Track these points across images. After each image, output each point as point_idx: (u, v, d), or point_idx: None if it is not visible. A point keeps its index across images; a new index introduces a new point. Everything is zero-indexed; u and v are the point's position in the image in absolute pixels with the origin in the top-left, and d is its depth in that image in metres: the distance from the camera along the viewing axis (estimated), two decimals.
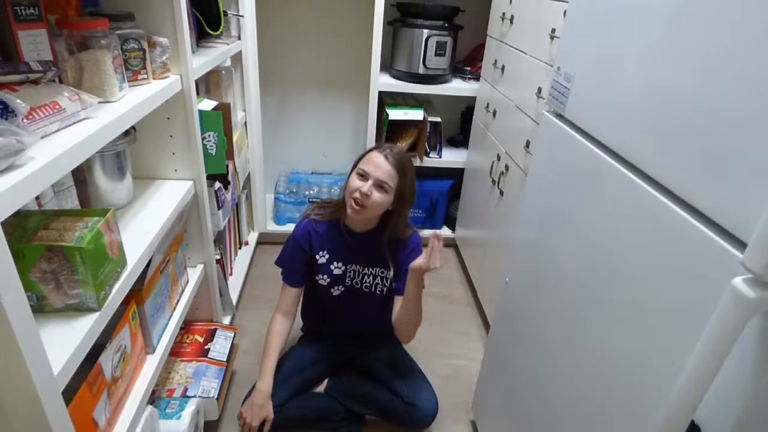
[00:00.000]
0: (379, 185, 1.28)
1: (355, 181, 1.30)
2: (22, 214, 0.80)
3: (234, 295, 1.85)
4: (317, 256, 1.43)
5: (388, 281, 1.46)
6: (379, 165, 1.27)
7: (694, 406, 0.54)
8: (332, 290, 1.47)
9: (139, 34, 1.03)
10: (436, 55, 2.12)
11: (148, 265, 1.05)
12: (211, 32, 1.54)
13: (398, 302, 1.45)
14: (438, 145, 2.32)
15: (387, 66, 2.27)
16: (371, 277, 1.45)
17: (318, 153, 2.60)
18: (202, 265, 1.44)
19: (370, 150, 1.33)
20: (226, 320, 1.67)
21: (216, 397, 1.33)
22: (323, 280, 1.45)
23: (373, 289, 1.47)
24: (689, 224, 0.62)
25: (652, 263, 0.70)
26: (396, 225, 1.38)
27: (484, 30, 2.11)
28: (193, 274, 1.40)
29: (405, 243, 1.44)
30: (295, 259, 1.44)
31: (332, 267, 1.44)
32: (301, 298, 1.56)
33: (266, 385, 1.37)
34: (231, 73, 1.89)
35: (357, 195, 1.28)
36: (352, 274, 1.45)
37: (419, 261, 1.26)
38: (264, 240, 2.40)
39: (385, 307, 1.53)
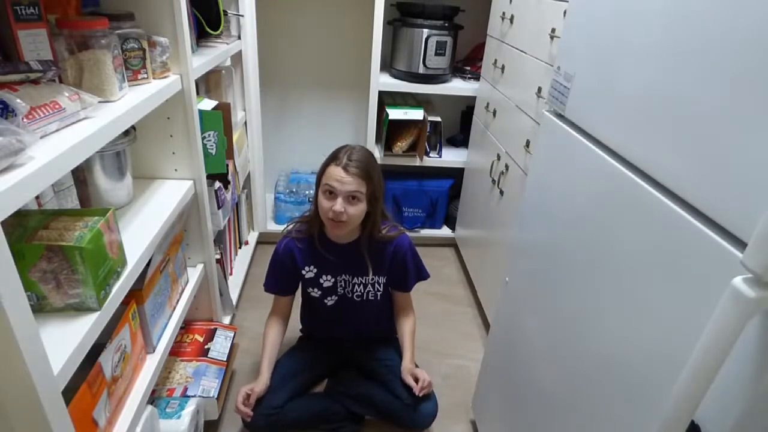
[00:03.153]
0: (350, 197, 1.25)
1: (325, 202, 1.26)
2: (22, 214, 0.80)
3: (234, 295, 1.85)
4: (303, 271, 1.42)
5: (381, 286, 1.46)
6: (343, 179, 1.23)
7: (694, 406, 0.54)
8: (326, 300, 1.47)
9: (139, 34, 1.03)
10: (436, 54, 2.12)
11: (148, 264, 1.05)
12: (211, 32, 1.54)
13: (396, 296, 1.51)
14: (438, 145, 2.32)
15: (387, 66, 2.27)
16: (362, 286, 1.44)
17: (318, 153, 2.58)
18: (202, 265, 1.44)
19: (328, 163, 1.27)
20: (226, 320, 1.67)
21: (216, 396, 1.33)
22: (315, 292, 1.45)
23: (365, 297, 1.46)
24: (689, 224, 0.62)
25: (652, 263, 0.70)
26: (374, 223, 1.36)
27: (484, 30, 2.10)
28: (193, 274, 1.40)
29: (392, 245, 1.42)
30: (281, 277, 1.45)
31: (321, 280, 1.43)
32: (301, 303, 1.56)
33: (264, 376, 1.38)
34: (231, 73, 1.89)
35: (331, 215, 1.26)
36: (343, 283, 1.44)
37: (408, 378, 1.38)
38: (264, 240, 2.40)
39: (381, 312, 1.54)
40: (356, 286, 1.44)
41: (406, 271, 1.46)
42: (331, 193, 1.25)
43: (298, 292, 1.53)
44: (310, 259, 1.41)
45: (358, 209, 1.27)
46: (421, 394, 1.35)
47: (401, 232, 1.44)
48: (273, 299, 1.50)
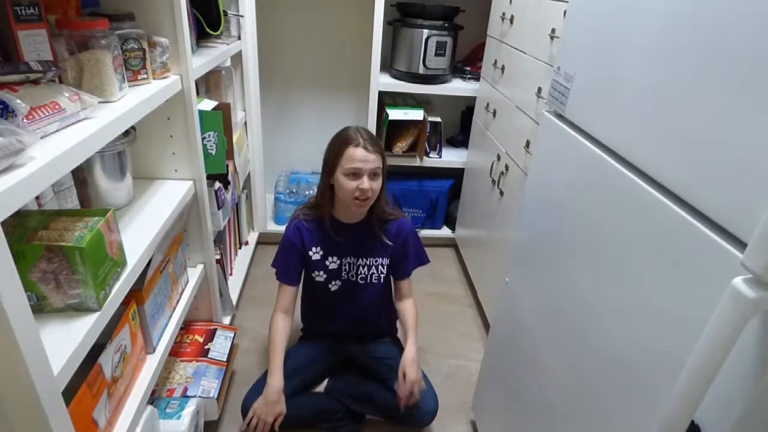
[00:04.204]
0: (373, 174, 1.32)
1: (350, 183, 1.31)
2: (22, 214, 0.80)
3: (234, 295, 1.85)
4: (310, 252, 1.45)
5: (385, 268, 1.48)
6: (366, 158, 1.30)
7: (694, 406, 0.54)
8: (330, 286, 1.48)
9: (139, 34, 1.03)
10: (436, 55, 2.12)
11: (148, 265, 1.05)
12: (211, 32, 1.54)
13: (397, 285, 1.53)
14: (438, 145, 2.32)
15: (387, 66, 2.27)
16: (366, 268, 1.47)
17: (318, 153, 2.58)
18: (202, 265, 1.44)
19: (345, 146, 1.31)
20: (226, 320, 1.67)
21: (216, 397, 1.33)
22: (320, 276, 1.47)
23: (369, 280, 1.49)
24: (689, 224, 0.62)
25: (652, 263, 0.70)
26: (380, 198, 1.40)
27: (484, 30, 2.10)
28: (193, 274, 1.40)
29: (395, 225, 1.47)
30: (289, 258, 1.46)
31: (327, 262, 1.46)
32: (300, 299, 1.56)
33: (278, 381, 1.37)
34: (231, 73, 1.89)
35: (358, 194, 1.31)
36: (347, 267, 1.47)
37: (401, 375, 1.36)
38: (264, 240, 2.40)
39: (383, 297, 1.56)
40: (360, 268, 1.47)
41: (407, 253, 1.49)
42: (356, 174, 1.30)
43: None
44: (318, 241, 1.45)
45: (379, 184, 1.35)
46: (403, 410, 1.36)
47: (402, 215, 1.49)
48: (277, 294, 1.49)
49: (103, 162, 1.06)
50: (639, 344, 0.72)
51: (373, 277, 1.48)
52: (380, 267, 1.48)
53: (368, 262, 1.47)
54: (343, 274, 1.48)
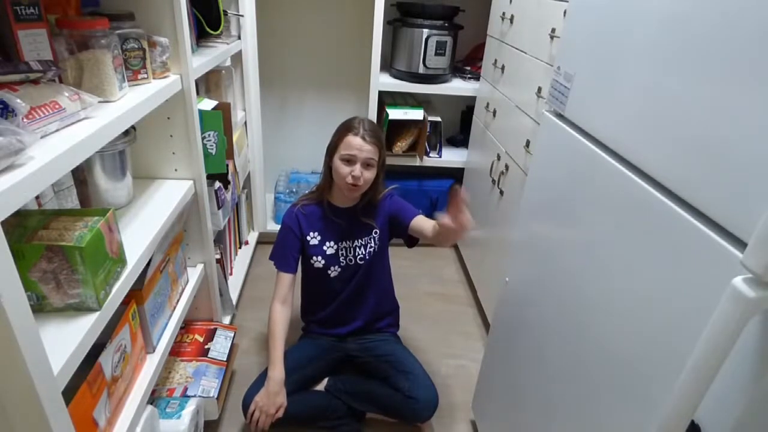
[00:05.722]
0: (366, 164, 1.38)
1: (343, 168, 1.37)
2: (22, 214, 0.80)
3: (234, 295, 1.85)
4: (308, 237, 1.48)
5: (378, 235, 1.51)
6: (362, 147, 1.35)
7: (694, 406, 0.54)
8: (329, 272, 1.50)
9: (139, 34, 1.03)
10: (436, 54, 2.12)
11: (148, 264, 1.05)
12: (211, 32, 1.54)
13: (415, 229, 1.46)
14: (438, 145, 2.32)
15: (387, 66, 2.27)
16: (363, 247, 1.51)
17: (318, 153, 2.59)
18: (202, 265, 1.44)
19: (346, 133, 1.38)
20: (226, 320, 1.67)
21: (216, 396, 1.33)
22: (318, 262, 1.49)
23: (367, 257, 1.52)
24: (689, 224, 0.62)
25: (652, 263, 0.70)
26: (377, 189, 1.47)
27: (484, 30, 2.11)
28: (193, 274, 1.40)
29: (385, 198, 1.53)
30: (287, 244, 1.48)
31: (325, 247, 1.49)
32: (300, 298, 1.56)
33: (278, 373, 1.38)
34: (231, 73, 1.89)
35: (350, 179, 1.37)
36: (344, 251, 1.50)
37: (445, 220, 1.18)
38: (264, 240, 2.40)
39: (383, 278, 1.60)
40: (358, 249, 1.51)
41: (401, 208, 1.51)
42: (349, 161, 1.37)
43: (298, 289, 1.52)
44: (315, 227, 1.49)
45: (372, 174, 1.40)
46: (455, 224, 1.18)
47: (389, 188, 1.54)
48: (275, 283, 1.49)
49: (103, 162, 1.06)
50: (639, 344, 0.72)
51: (372, 251, 1.52)
52: (375, 239, 1.51)
53: (364, 242, 1.51)
54: (341, 259, 1.50)
